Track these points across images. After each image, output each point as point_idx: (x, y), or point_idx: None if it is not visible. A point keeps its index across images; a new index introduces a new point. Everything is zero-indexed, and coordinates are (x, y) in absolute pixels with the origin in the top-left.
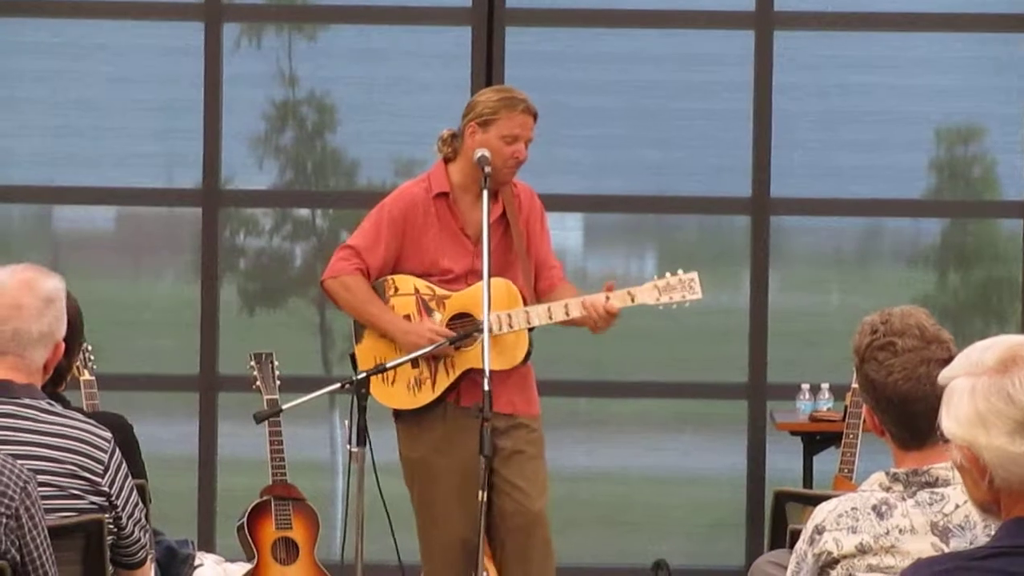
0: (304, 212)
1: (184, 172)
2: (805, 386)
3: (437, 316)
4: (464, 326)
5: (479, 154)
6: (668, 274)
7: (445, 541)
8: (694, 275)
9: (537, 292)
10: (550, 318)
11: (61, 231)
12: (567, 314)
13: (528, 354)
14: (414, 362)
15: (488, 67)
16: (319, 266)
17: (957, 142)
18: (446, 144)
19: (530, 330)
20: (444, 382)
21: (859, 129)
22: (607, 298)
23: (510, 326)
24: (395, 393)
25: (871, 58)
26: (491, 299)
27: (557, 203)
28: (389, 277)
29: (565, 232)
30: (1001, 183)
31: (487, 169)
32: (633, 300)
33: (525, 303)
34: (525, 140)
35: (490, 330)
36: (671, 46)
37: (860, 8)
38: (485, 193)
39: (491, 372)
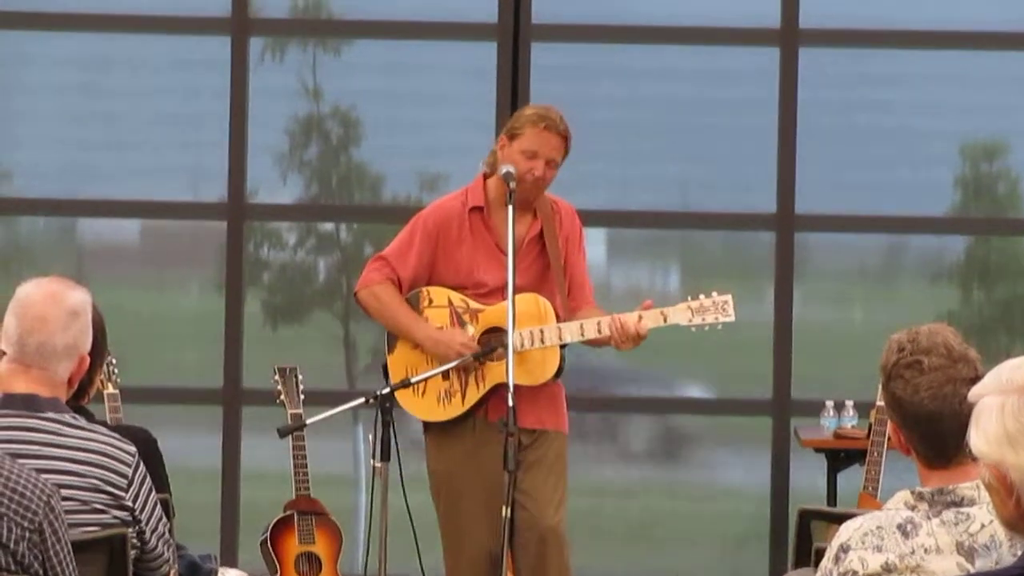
0: (328, 226)
1: (209, 185)
2: (829, 403)
3: (470, 329)
4: (495, 340)
5: (504, 169)
6: (702, 295)
7: (470, 555)
8: (728, 297)
9: (567, 312)
10: (582, 335)
11: (86, 243)
12: (599, 331)
13: (560, 371)
14: (444, 374)
15: (514, 82)
16: (343, 280)
17: (982, 159)
18: (492, 156)
19: (563, 347)
20: (474, 395)
21: (884, 145)
22: (640, 317)
23: (542, 342)
24: (425, 405)
25: (896, 75)
26: (524, 314)
27: (581, 217)
28: (424, 288)
29: (590, 247)
30: None
31: (512, 184)
32: (666, 320)
33: (559, 320)
34: (546, 159)
35: (518, 345)
36: (696, 62)
37: (884, 25)
38: (510, 208)
39: (521, 388)
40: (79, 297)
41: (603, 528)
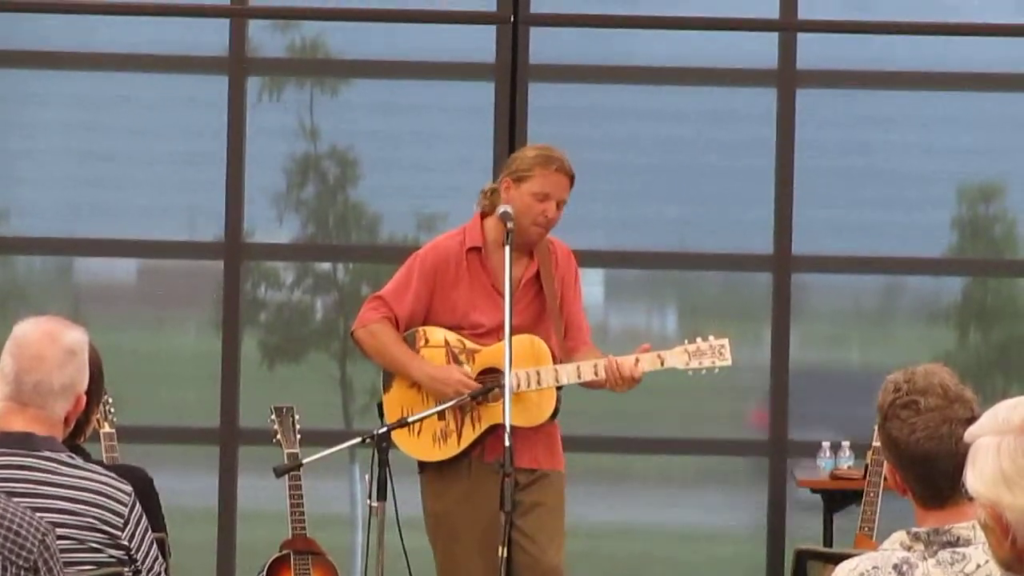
0: (325, 266)
1: (206, 224)
2: (826, 443)
3: (467, 368)
4: (492, 381)
5: (501, 210)
6: (699, 339)
7: None
8: (725, 341)
9: (564, 353)
10: (579, 377)
11: (83, 283)
12: (596, 374)
13: (555, 412)
14: (440, 414)
15: (511, 122)
16: (340, 320)
17: (978, 200)
18: (485, 197)
19: (558, 389)
20: (470, 436)
21: (881, 187)
22: (636, 361)
23: (539, 383)
24: (421, 444)
25: (893, 116)
26: (519, 355)
27: (579, 258)
28: (420, 328)
29: (587, 287)
30: (1022, 242)
31: (509, 224)
32: (663, 364)
33: (555, 361)
34: (557, 200)
35: (515, 386)
36: (694, 103)
37: (882, 66)
38: (507, 248)
39: (517, 429)
40: (76, 336)
41: (598, 569)
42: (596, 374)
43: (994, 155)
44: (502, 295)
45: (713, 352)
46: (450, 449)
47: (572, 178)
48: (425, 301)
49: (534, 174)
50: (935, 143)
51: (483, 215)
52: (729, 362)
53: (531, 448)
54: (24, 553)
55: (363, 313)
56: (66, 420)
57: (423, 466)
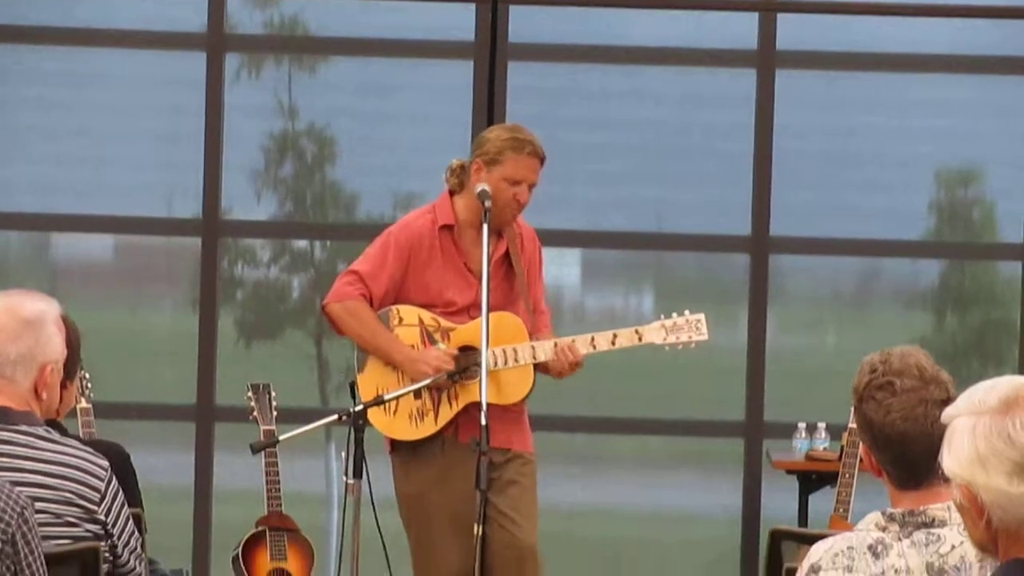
0: (302, 244)
1: (184, 202)
2: (802, 425)
3: (442, 347)
4: (469, 359)
5: (479, 188)
6: (675, 314)
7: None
8: (701, 316)
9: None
10: (556, 354)
11: (60, 259)
12: (535, 356)
13: (530, 391)
14: (416, 393)
15: (490, 102)
16: (317, 298)
17: (957, 184)
18: (454, 175)
19: (535, 368)
20: (447, 414)
21: (859, 169)
22: (615, 338)
23: (516, 360)
24: (397, 424)
25: (872, 99)
26: (496, 333)
27: (556, 239)
28: (393, 307)
29: (564, 268)
30: (1000, 226)
31: (487, 204)
32: (640, 339)
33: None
34: (529, 184)
35: (492, 364)
36: (673, 84)
37: (862, 49)
38: (485, 228)
39: (492, 407)
40: (38, 307)
41: (573, 550)
42: (535, 357)
43: (973, 139)
44: (474, 273)
45: (690, 327)
46: (427, 428)
47: (543, 159)
48: (398, 280)
49: (506, 158)
50: (914, 126)
51: (451, 192)
52: (706, 336)
53: (503, 427)
54: (2, 525)
55: (339, 287)
56: (36, 392)
57: (394, 448)
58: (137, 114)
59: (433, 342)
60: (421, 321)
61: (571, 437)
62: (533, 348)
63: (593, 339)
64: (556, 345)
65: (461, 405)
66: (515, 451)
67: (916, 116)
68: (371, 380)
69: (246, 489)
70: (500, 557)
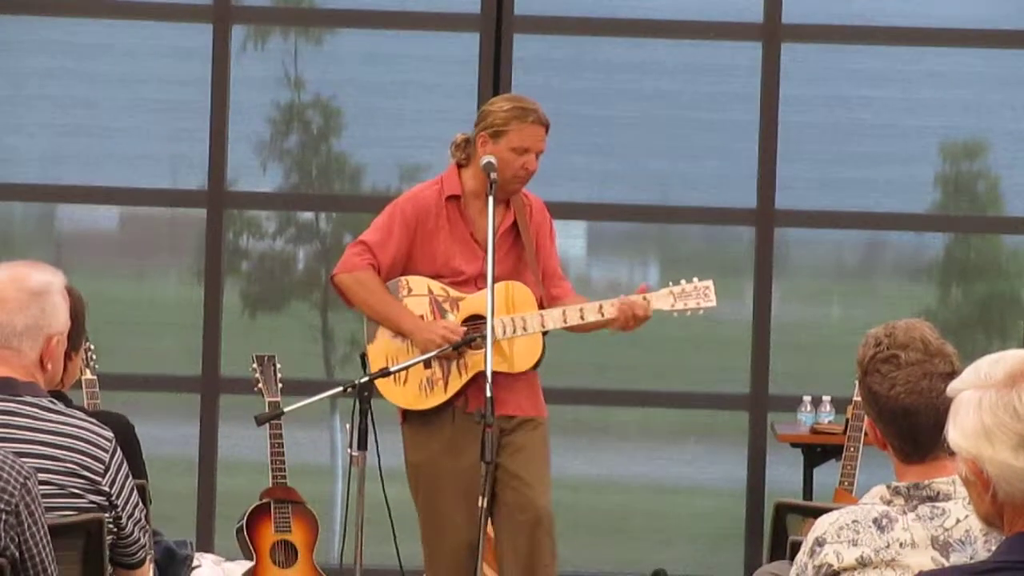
0: (308, 215)
1: (189, 173)
2: (807, 398)
3: (451, 317)
4: (477, 329)
5: (485, 160)
6: (683, 281)
7: (450, 546)
8: (709, 283)
9: (548, 300)
10: (565, 321)
11: (65, 230)
12: (582, 318)
13: (540, 360)
14: (426, 363)
15: (496, 74)
16: (322, 270)
17: (962, 157)
18: (459, 149)
19: (544, 335)
20: (456, 384)
21: (864, 142)
22: (645, 298)
23: (524, 329)
24: (407, 393)
25: (878, 71)
26: (505, 302)
27: (562, 211)
28: (402, 278)
29: (569, 240)
30: (1005, 199)
31: (493, 175)
32: (648, 305)
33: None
34: (536, 152)
35: (500, 333)
36: (679, 56)
37: (867, 22)
38: (491, 199)
39: (501, 376)
40: (44, 278)
41: (578, 521)
42: (583, 318)
43: (978, 112)
44: (480, 244)
45: (698, 293)
46: (437, 397)
47: (547, 127)
48: (406, 250)
49: (511, 128)
50: (919, 99)
51: (459, 165)
52: (714, 303)
53: (514, 396)
54: (5, 496)
55: (347, 257)
56: (42, 363)
57: (405, 417)
58: (143, 85)
59: (443, 312)
60: (430, 291)
61: (577, 409)
62: (542, 316)
63: (601, 306)
64: (564, 313)
65: (471, 374)
66: (527, 416)
67: (921, 89)
68: (381, 350)
69: (251, 461)
70: (513, 520)
